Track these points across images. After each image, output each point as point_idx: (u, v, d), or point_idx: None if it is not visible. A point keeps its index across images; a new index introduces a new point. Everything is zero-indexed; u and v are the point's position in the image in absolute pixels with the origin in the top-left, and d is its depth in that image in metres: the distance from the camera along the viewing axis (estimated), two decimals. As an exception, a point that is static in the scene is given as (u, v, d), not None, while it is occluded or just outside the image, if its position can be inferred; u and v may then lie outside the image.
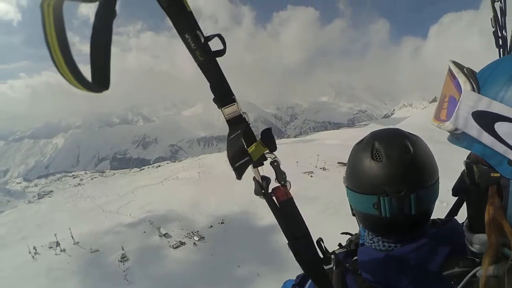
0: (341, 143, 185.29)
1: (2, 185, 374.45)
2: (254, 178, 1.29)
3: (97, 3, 0.74)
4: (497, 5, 2.21)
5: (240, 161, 1.17)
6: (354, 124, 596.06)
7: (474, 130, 0.85)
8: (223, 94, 1.22)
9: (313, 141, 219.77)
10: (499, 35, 2.14)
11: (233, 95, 1.22)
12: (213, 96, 1.21)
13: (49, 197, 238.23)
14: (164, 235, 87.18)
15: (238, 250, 74.14)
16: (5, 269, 77.99)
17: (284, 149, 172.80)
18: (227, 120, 1.24)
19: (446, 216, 1.77)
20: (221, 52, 1.16)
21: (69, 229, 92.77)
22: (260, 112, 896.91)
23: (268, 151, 1.27)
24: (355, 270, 1.50)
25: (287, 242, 1.27)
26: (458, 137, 0.94)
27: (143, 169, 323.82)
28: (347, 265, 1.59)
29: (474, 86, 0.85)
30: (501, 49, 2.21)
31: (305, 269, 1.31)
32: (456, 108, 0.88)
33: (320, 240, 1.44)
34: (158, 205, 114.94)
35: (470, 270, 1.02)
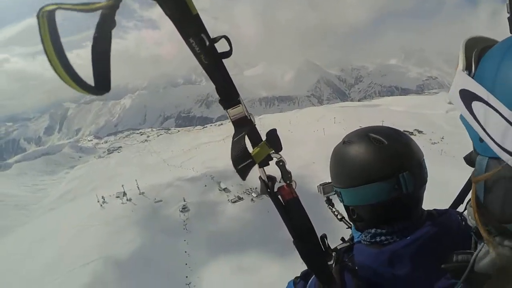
0: (408, 110, 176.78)
1: (75, 143, 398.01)
2: (260, 178, 1.34)
3: (98, 12, 0.81)
4: None
5: (242, 163, 1.22)
6: (423, 91, 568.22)
7: (460, 106, 0.91)
8: (228, 96, 1.28)
9: (378, 106, 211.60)
10: None
11: (239, 96, 1.27)
12: (219, 98, 1.26)
13: (118, 152, 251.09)
14: (224, 189, 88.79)
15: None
16: (76, 218, 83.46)
17: (347, 112, 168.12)
18: (232, 121, 1.31)
19: (453, 203, 1.83)
20: (227, 54, 1.19)
21: (136, 180, 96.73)
22: (323, 73, 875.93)
23: (273, 151, 1.32)
24: (353, 266, 1.50)
25: (292, 240, 1.31)
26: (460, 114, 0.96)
27: (206, 127, 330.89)
28: (346, 260, 1.60)
29: (466, 65, 0.91)
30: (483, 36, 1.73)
31: (309, 265, 1.36)
32: (451, 85, 0.96)
33: (324, 237, 1.43)
34: (219, 161, 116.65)
35: (467, 264, 1.01)
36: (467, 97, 0.86)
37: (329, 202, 2.41)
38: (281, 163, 1.35)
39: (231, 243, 66.58)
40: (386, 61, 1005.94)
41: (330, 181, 2.10)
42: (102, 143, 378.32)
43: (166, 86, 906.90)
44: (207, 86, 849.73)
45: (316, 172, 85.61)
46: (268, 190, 1.34)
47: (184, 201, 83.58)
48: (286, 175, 1.36)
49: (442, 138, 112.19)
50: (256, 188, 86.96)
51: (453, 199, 1.85)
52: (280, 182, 1.33)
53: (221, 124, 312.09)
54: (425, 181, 1.48)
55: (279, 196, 1.34)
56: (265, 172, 1.34)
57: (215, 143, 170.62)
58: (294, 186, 1.36)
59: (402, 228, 1.44)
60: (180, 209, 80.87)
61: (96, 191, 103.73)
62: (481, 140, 0.85)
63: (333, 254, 1.55)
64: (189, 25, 1.14)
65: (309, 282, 1.75)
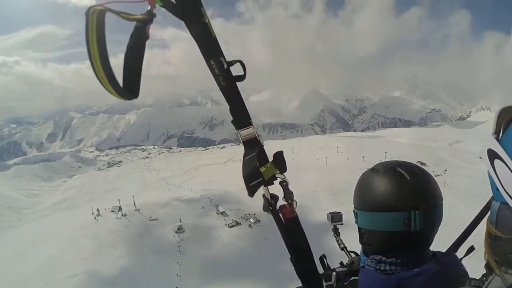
0: (411, 142, 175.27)
1: (76, 152, 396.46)
2: (264, 196, 1.47)
3: (133, 23, 1.00)
4: None
5: (254, 181, 1.36)
6: (426, 124, 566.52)
7: (486, 162, 1.05)
8: (241, 117, 1.41)
9: (381, 137, 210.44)
10: None
11: (250, 118, 1.39)
12: (232, 118, 1.39)
13: (118, 166, 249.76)
14: (222, 213, 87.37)
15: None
16: (68, 227, 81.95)
17: (350, 142, 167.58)
18: (243, 141, 1.43)
19: (449, 249, 1.95)
20: (241, 77, 1.32)
21: (133, 196, 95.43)
22: (328, 103, 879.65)
23: (278, 171, 1.44)
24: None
25: (289, 257, 1.39)
26: None
27: (208, 149, 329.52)
28: (346, 283, 1.67)
29: (496, 129, 1.04)
30: None
31: (304, 282, 1.40)
32: (483, 144, 1.09)
33: (323, 257, 1.55)
34: (219, 184, 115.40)
35: None
36: (492, 156, 1.00)
37: (336, 231, 2.48)
38: (284, 183, 1.49)
39: (225, 270, 64.61)
40: (390, 93, 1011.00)
41: (339, 211, 2.31)
42: (103, 155, 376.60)
43: (172, 105, 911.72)
44: (212, 109, 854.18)
45: (317, 201, 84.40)
46: (271, 207, 1.46)
47: (180, 221, 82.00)
48: (288, 194, 1.51)
49: (445, 170, 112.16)
50: (254, 214, 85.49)
51: (459, 234, 1.96)
52: (283, 200, 1.46)
53: (223, 147, 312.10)
54: (437, 225, 1.53)
55: (280, 214, 1.47)
56: (268, 191, 1.45)
57: (216, 165, 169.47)
58: (295, 206, 1.49)
59: (406, 261, 1.48)
60: (175, 230, 78.98)
61: (92, 203, 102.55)
62: (497, 189, 1.00)
63: (334, 274, 1.63)
64: (210, 47, 1.28)
65: None
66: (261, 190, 1.45)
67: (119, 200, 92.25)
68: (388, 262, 1.51)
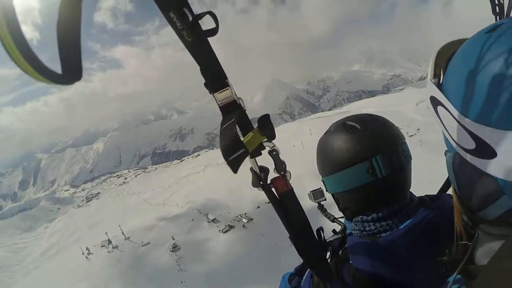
0: (380, 110, 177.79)
1: (51, 194, 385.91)
2: (252, 169, 1.21)
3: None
4: None
5: (234, 153, 1.04)
6: (390, 90, 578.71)
7: (431, 111, 0.95)
8: (215, 78, 1.11)
9: (349, 112, 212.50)
10: (496, 2, 2.02)
11: (226, 78, 1.12)
12: (204, 81, 1.11)
13: (97, 199, 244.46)
14: (213, 220, 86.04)
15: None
16: (62, 274, 79.19)
17: (322, 123, 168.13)
18: (220, 107, 1.15)
19: (439, 191, 1.78)
20: (213, 31, 1.04)
21: (119, 226, 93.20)
22: (292, 89, 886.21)
23: (266, 139, 1.17)
24: (347, 259, 1.47)
25: (288, 236, 1.20)
26: None
27: (183, 160, 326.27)
28: (340, 253, 1.60)
29: (434, 74, 0.92)
30: (497, 17, 2.07)
31: (306, 262, 1.28)
32: (426, 91, 0.99)
33: (320, 229, 1.36)
34: (202, 193, 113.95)
35: (462, 257, 0.96)
36: (434, 103, 0.90)
37: (321, 207, 2.31)
38: (274, 153, 1.22)
39: (232, 277, 63.27)
40: (350, 68, 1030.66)
41: (319, 187, 2.13)
42: (80, 191, 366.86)
43: (138, 124, 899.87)
44: (179, 119, 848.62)
45: (304, 184, 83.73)
46: (261, 182, 1.19)
47: (173, 239, 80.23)
48: (280, 165, 1.23)
49: (418, 129, 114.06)
50: (245, 213, 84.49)
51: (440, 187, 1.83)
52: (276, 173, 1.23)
53: (198, 155, 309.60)
54: (405, 164, 1.43)
55: (273, 189, 1.20)
56: (257, 163, 1.21)
57: (195, 175, 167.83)
58: (288, 178, 1.23)
59: (389, 215, 1.40)
60: (171, 249, 77.19)
61: (80, 243, 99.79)
62: (446, 140, 0.93)
63: (329, 247, 1.53)
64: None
65: (304, 278, 1.72)
66: (248, 164, 1.23)
67: (106, 233, 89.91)
68: (370, 220, 1.43)
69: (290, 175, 1.22)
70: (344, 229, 1.85)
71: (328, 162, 1.49)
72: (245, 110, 1.18)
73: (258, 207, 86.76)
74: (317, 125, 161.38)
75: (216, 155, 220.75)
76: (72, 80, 0.62)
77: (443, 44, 1.01)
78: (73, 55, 0.61)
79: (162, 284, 65.95)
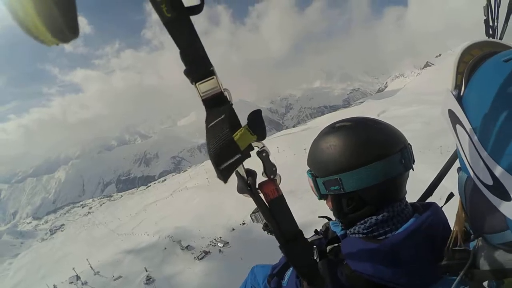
0: None
1: (13, 228, 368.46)
2: (237, 173, 0.98)
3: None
4: None
5: (228, 160, 0.84)
6: (350, 104, 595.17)
7: (448, 125, 0.90)
8: (198, 64, 0.84)
9: (313, 127, 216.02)
10: (490, 24, 2.10)
11: (212, 66, 0.85)
12: (184, 67, 0.84)
13: (61, 231, 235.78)
14: (186, 247, 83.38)
15: (269, 249, 69.85)
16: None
17: (288, 140, 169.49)
18: (203, 100, 0.87)
19: (421, 196, 1.83)
20: (196, 9, 0.80)
21: (87, 260, 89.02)
22: (254, 109, 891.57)
23: (256, 139, 0.89)
24: (340, 259, 1.41)
25: (278, 245, 1.04)
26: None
27: (150, 185, 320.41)
28: (329, 254, 1.55)
29: (457, 86, 0.87)
30: (490, 38, 1.95)
31: (298, 270, 1.14)
32: (442, 104, 0.92)
33: (300, 232, 1.15)
34: (172, 219, 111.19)
35: (466, 262, 0.99)
36: (453, 120, 0.86)
37: (267, 228, 2.01)
38: (264, 154, 0.98)
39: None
40: (311, 85, 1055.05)
41: (256, 207, 1.71)
42: (43, 223, 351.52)
43: (100, 150, 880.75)
44: (143, 144, 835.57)
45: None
46: (249, 187, 0.98)
47: (146, 271, 77.07)
48: (270, 168, 1.01)
49: None
50: (220, 237, 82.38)
51: (423, 193, 1.88)
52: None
53: (165, 180, 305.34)
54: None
55: (261, 194, 1.00)
56: (243, 166, 0.96)
57: (163, 201, 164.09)
58: (278, 182, 1.02)
59: (393, 215, 1.35)
60: (145, 282, 73.82)
61: (47, 279, 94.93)
62: (461, 160, 0.90)
63: (314, 247, 1.47)
64: None
65: (286, 279, 1.67)
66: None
67: (73, 268, 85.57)
68: (380, 221, 1.35)
69: (280, 179, 1.04)
70: (326, 230, 1.82)
71: (359, 153, 1.33)
72: (232, 104, 0.89)
73: (233, 229, 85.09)
74: (283, 143, 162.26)
75: (183, 178, 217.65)
76: (72, 37, 0.52)
77: (467, 44, 0.94)
78: (70, 11, 0.51)
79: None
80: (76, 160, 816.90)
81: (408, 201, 1.47)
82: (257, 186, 0.99)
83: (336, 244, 1.56)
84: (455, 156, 1.89)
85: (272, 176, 1.01)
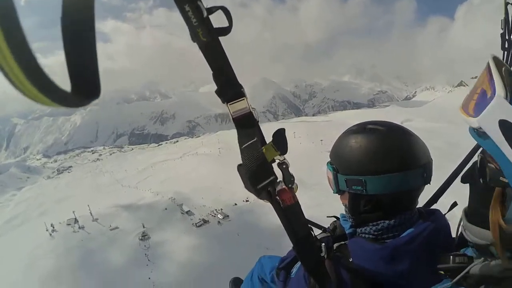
0: None
1: (22, 162, 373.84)
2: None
3: None
4: (510, 7, 2.33)
5: (263, 181, 1.04)
6: (374, 105, 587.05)
7: (497, 136, 0.85)
8: (229, 86, 1.04)
9: (333, 120, 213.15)
10: (506, 38, 2.18)
11: (242, 87, 1.04)
12: (216, 87, 1.04)
13: (68, 172, 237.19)
14: (187, 212, 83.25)
15: (267, 230, 69.06)
16: (25, 248, 75.38)
17: (306, 127, 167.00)
18: (233, 119, 1.08)
19: (426, 203, 1.93)
20: (225, 31, 0.97)
21: (88, 206, 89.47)
22: (278, 89, 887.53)
23: (279, 154, 1.17)
24: (346, 258, 1.51)
25: (292, 245, 1.25)
26: (480, 135, 0.95)
27: (161, 144, 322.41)
28: (336, 251, 1.64)
29: (509, 93, 0.83)
30: (506, 52, 2.34)
31: (307, 268, 1.32)
32: (486, 110, 0.87)
33: (310, 229, 1.38)
34: (178, 181, 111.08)
35: (465, 266, 1.08)
36: (510, 131, 0.81)
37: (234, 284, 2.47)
38: (284, 166, 1.22)
39: (200, 274, 60.59)
40: (339, 78, 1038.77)
41: (236, 276, 2.35)
42: (51, 162, 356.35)
43: (119, 102, 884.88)
44: (161, 103, 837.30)
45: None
46: (270, 195, 1.17)
47: (144, 227, 77.14)
48: (289, 178, 1.22)
49: None
50: (221, 209, 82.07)
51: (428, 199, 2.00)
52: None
53: (177, 141, 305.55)
54: None
55: (280, 200, 1.20)
56: None
57: (171, 161, 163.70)
58: (295, 190, 1.24)
59: (401, 222, 1.47)
60: (140, 237, 74.01)
61: (45, 217, 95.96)
62: None
63: (323, 245, 1.53)
64: None
65: (294, 272, 1.74)
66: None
67: (73, 211, 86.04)
68: (391, 227, 1.48)
69: (297, 187, 1.24)
70: (334, 228, 1.90)
71: (383, 161, 1.44)
72: (258, 121, 1.12)
73: (235, 204, 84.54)
74: (301, 129, 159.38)
75: (195, 143, 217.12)
76: (88, 99, 0.52)
77: (492, 55, 0.93)
78: (91, 70, 0.51)
79: (128, 276, 62.98)
80: (94, 107, 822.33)
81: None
82: (276, 193, 1.17)
83: (343, 242, 1.67)
84: (461, 167, 2.08)
85: (290, 185, 1.20)
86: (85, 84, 0.49)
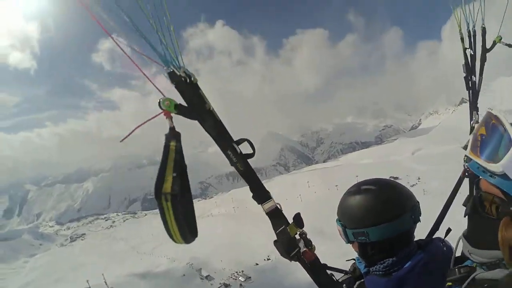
0: (376, 161, 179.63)
1: (35, 228, 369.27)
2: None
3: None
4: (468, 51, 2.89)
5: (293, 251, 1.76)
6: (382, 141, 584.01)
7: None
8: (261, 193, 1.71)
9: (345, 164, 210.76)
10: (469, 79, 2.69)
11: (268, 192, 1.70)
12: (252, 194, 1.67)
13: (82, 239, 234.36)
14: (206, 277, 79.71)
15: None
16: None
17: (319, 175, 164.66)
18: (266, 213, 1.73)
19: (429, 233, 2.34)
20: (252, 155, 1.57)
21: (103, 274, 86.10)
22: (285, 141, 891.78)
23: (300, 230, 1.81)
24: None
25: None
26: (493, 175, 1.10)
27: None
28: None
29: None
30: (470, 91, 2.91)
31: None
32: (508, 156, 1.02)
33: (331, 274, 1.96)
34: (194, 245, 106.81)
35: (470, 274, 1.28)
36: None
37: None
38: (303, 235, 1.85)
39: None
40: (342, 120, 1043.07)
41: None
42: (64, 229, 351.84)
43: (131, 167, 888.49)
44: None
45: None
46: (298, 257, 1.82)
47: (163, 297, 73.44)
48: (308, 242, 1.87)
49: (419, 179, 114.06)
50: (242, 271, 78.40)
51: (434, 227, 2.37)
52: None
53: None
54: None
55: (304, 259, 1.85)
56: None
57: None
58: (314, 249, 1.89)
59: (403, 256, 1.82)
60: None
61: (59, 284, 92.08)
62: None
63: (343, 286, 2.08)
64: (224, 137, 1.49)
65: None
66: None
67: (87, 281, 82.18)
68: (395, 262, 1.83)
69: (315, 248, 1.88)
70: (354, 270, 2.29)
71: (384, 212, 1.82)
72: (282, 210, 1.77)
73: (257, 264, 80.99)
74: (314, 177, 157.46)
75: (209, 205, 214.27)
76: (191, 239, 0.98)
77: (497, 111, 1.08)
78: (191, 218, 1.00)
79: None
80: (106, 173, 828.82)
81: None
82: (301, 254, 1.85)
83: (362, 280, 2.09)
84: (456, 189, 2.56)
85: (309, 247, 1.86)
86: (193, 227, 0.99)
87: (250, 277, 75.15)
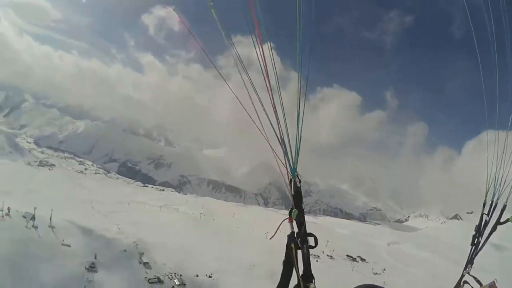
0: (352, 235, 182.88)
1: (13, 136, 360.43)
2: None
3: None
4: (484, 216, 3.22)
5: None
6: (365, 219, 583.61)
7: None
8: (308, 276, 2.14)
9: (323, 224, 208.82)
10: (476, 237, 3.04)
11: (313, 277, 2.23)
12: (301, 273, 2.11)
13: (50, 169, 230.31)
14: (145, 264, 76.58)
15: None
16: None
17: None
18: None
19: None
20: (314, 247, 2.20)
21: (51, 210, 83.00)
22: (276, 177, 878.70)
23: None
24: None
25: None
26: None
27: (147, 186, 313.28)
28: None
29: None
30: (473, 247, 3.23)
31: None
32: None
33: None
34: (149, 229, 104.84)
35: None
36: None
37: None
38: (312, 286, 2.27)
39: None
40: (338, 184, 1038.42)
41: None
42: (38, 152, 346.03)
43: (126, 130, 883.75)
44: (164, 148, 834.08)
45: (253, 279, 77.29)
46: None
47: (95, 258, 70.53)
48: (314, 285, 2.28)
49: (384, 269, 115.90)
50: (180, 275, 75.48)
51: None
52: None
53: (163, 190, 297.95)
54: None
55: None
56: None
57: (150, 207, 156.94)
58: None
59: None
60: (87, 266, 67.02)
61: (6, 196, 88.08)
62: None
63: None
64: (306, 234, 2.07)
65: None
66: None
67: (35, 208, 78.69)
68: None
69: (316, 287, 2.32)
70: None
71: None
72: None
73: (197, 275, 77.79)
74: (286, 223, 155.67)
75: (180, 199, 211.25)
76: None
77: None
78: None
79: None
80: (101, 123, 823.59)
81: None
82: None
83: None
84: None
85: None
86: None
87: (185, 285, 71.90)
